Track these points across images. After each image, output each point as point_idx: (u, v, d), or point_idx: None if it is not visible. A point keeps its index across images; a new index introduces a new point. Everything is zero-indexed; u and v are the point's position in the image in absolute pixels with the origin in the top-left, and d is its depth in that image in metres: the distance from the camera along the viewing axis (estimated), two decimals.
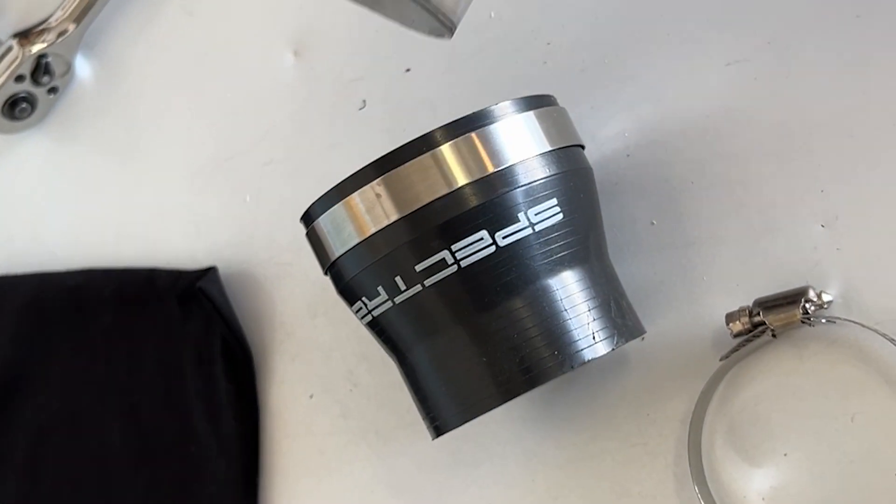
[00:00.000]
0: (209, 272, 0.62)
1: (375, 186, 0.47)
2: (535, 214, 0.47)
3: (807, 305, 0.49)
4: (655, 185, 0.54)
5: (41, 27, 0.65)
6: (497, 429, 0.56)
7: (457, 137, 0.47)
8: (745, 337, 0.50)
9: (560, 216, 0.47)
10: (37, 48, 0.65)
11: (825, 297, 0.49)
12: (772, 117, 0.52)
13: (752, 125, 0.52)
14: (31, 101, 0.67)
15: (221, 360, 0.62)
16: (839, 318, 0.49)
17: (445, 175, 0.47)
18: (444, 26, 0.48)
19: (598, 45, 0.56)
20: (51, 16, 0.65)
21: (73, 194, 0.68)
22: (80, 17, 0.65)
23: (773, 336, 0.50)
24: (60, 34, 0.65)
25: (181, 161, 0.65)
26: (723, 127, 0.53)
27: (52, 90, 0.67)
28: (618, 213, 0.54)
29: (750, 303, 0.50)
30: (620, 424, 0.53)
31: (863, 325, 0.49)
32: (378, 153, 0.59)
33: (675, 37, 0.54)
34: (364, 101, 0.61)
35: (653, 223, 0.54)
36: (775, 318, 0.49)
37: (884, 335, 0.48)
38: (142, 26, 0.66)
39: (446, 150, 0.47)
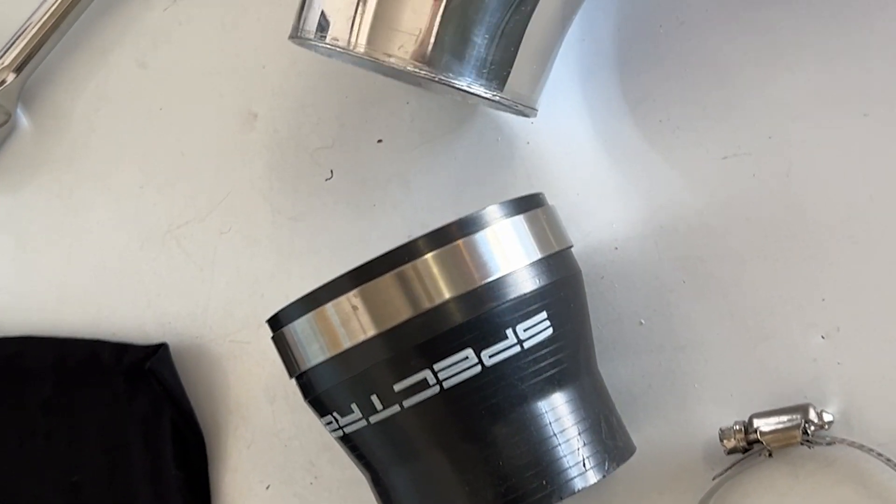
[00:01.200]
0: (160, 350, 0.58)
1: (352, 298, 0.43)
2: (524, 330, 0.43)
3: (807, 426, 0.46)
4: (645, 281, 0.51)
5: None
6: None
7: (442, 247, 0.43)
8: (740, 455, 0.47)
9: (550, 331, 0.44)
10: None
11: (826, 417, 0.46)
12: (770, 216, 0.49)
13: (750, 224, 0.49)
14: None
15: (171, 444, 0.58)
16: (840, 440, 0.46)
17: (427, 288, 0.43)
18: (525, 114, 0.48)
19: (585, 127, 0.52)
20: None
21: (11, 252, 0.63)
22: (20, 66, 0.60)
23: (770, 455, 0.47)
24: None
25: (130, 223, 0.61)
26: (718, 224, 0.50)
27: None
28: (604, 309, 0.51)
29: (743, 415, 0.48)
30: None
31: (864, 449, 0.46)
32: (345, 227, 0.56)
33: (670, 124, 0.51)
34: (332, 172, 0.57)
35: (641, 322, 0.51)
36: (773, 437, 0.46)
37: (886, 460, 0.45)
38: (90, 76, 0.62)
39: (430, 260, 0.43)
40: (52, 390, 0.60)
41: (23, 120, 0.63)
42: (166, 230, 0.60)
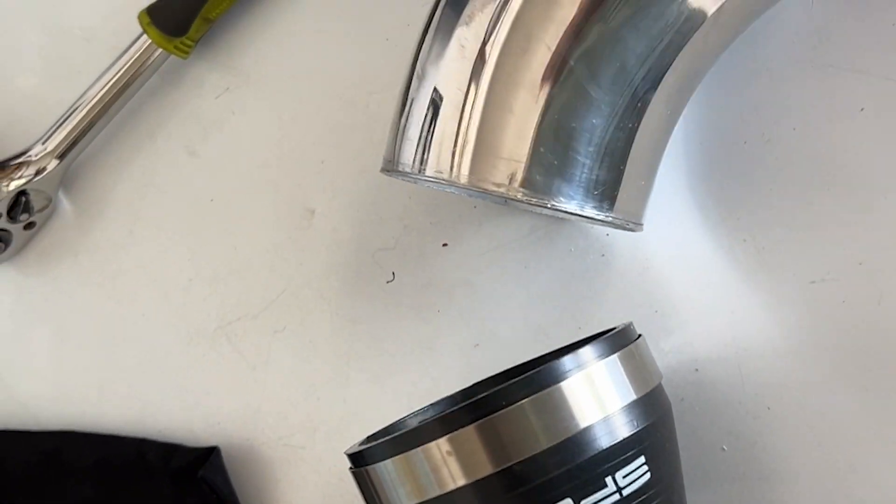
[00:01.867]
0: (212, 455, 0.56)
1: (443, 444, 0.41)
2: (623, 477, 0.42)
3: None
4: (727, 406, 0.49)
5: (20, 160, 0.58)
6: None
7: (536, 393, 0.42)
8: None
9: (648, 475, 0.42)
10: (15, 184, 0.58)
11: None
12: (860, 345, 0.48)
13: (838, 351, 0.48)
14: (4, 239, 0.60)
15: None
16: None
17: (522, 437, 0.41)
18: (631, 229, 0.47)
19: (663, 242, 0.51)
20: (30, 148, 0.58)
21: (50, 342, 0.61)
22: (64, 153, 0.58)
23: None
24: (40, 171, 0.58)
25: (178, 317, 0.59)
26: (805, 351, 0.48)
27: (29, 225, 0.60)
28: (684, 433, 0.50)
29: None
30: None
31: None
32: (408, 332, 0.54)
33: (754, 244, 0.50)
34: (393, 274, 0.55)
35: (723, 449, 0.49)
36: None
37: None
38: (135, 161, 0.60)
39: (525, 406, 0.41)
40: (94, 490, 0.58)
41: (64, 203, 0.60)
42: (217, 326, 0.58)
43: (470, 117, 0.43)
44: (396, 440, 0.42)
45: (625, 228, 0.47)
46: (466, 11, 0.44)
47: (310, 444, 0.56)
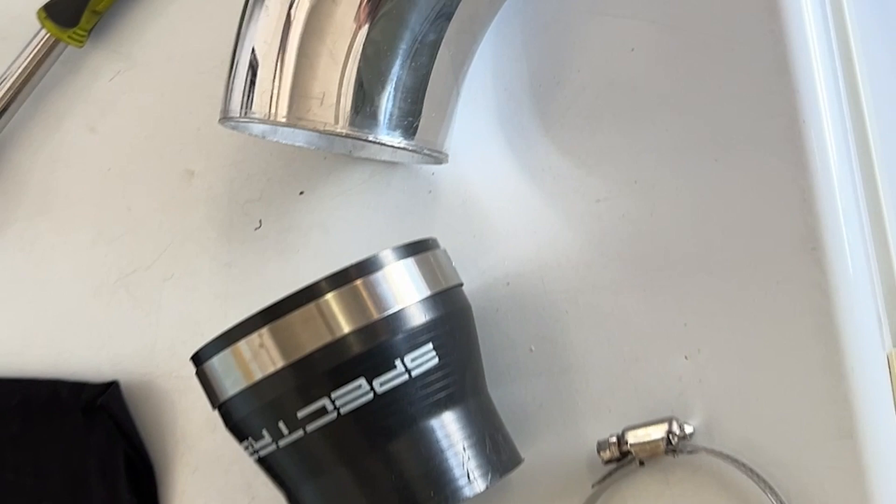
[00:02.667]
0: (111, 388, 0.64)
1: (261, 335, 0.49)
2: (412, 360, 0.49)
3: (670, 436, 0.52)
4: (534, 312, 0.57)
5: None
6: None
7: (341, 287, 0.50)
8: (615, 465, 0.53)
9: (436, 360, 0.50)
10: None
11: (687, 429, 0.52)
12: (638, 252, 0.55)
13: (621, 259, 0.55)
14: None
15: (124, 474, 0.64)
16: (700, 448, 0.52)
17: (327, 325, 0.49)
18: (437, 159, 0.55)
19: (478, 176, 0.59)
20: None
21: None
22: None
23: (641, 464, 0.53)
24: None
25: (85, 273, 0.67)
26: (594, 260, 0.56)
27: None
28: (499, 338, 0.57)
29: (619, 429, 0.54)
30: None
31: (720, 455, 0.52)
32: (273, 272, 0.62)
33: (551, 173, 0.57)
34: (260, 222, 0.63)
35: (531, 349, 0.57)
36: (641, 448, 0.52)
37: (739, 464, 0.51)
38: (46, 141, 0.68)
39: (330, 299, 0.49)
40: (19, 427, 0.67)
41: None
42: (116, 278, 0.66)
43: (283, 67, 0.52)
44: (221, 338, 0.51)
45: (433, 158, 0.55)
46: None
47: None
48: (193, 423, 0.64)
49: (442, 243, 0.56)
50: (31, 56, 0.66)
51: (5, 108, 0.67)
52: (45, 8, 0.65)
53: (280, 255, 0.62)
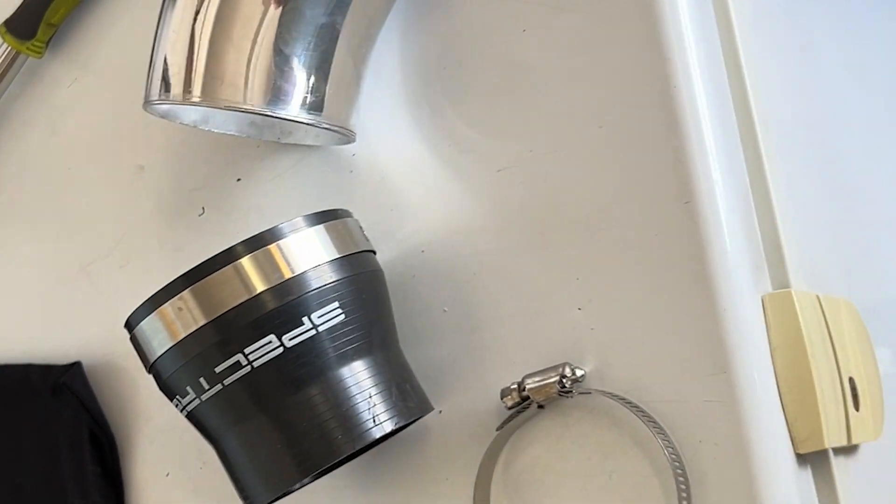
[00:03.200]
0: (73, 367, 0.70)
1: (182, 297, 0.55)
2: (319, 317, 0.54)
3: (563, 380, 0.57)
4: (446, 276, 0.62)
5: None
6: (321, 499, 0.63)
7: (256, 250, 0.55)
8: (517, 409, 0.58)
9: (342, 317, 0.55)
10: None
11: (578, 373, 0.57)
12: (535, 216, 0.60)
13: (520, 222, 0.60)
14: None
15: (89, 446, 0.69)
16: (591, 390, 0.57)
17: (245, 284, 0.54)
18: (346, 136, 0.60)
19: (393, 155, 0.64)
20: None
21: None
22: None
23: (541, 407, 0.58)
24: None
25: (50, 264, 0.73)
26: (497, 225, 0.61)
27: None
28: (417, 301, 0.62)
29: (521, 378, 0.58)
30: (426, 488, 0.61)
31: (610, 395, 0.56)
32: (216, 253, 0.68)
33: (456, 147, 0.62)
34: (203, 208, 0.69)
35: (444, 310, 0.62)
36: (538, 392, 0.57)
37: (627, 403, 0.56)
38: (14, 145, 0.74)
39: (244, 262, 0.54)
40: None
41: None
42: (78, 268, 0.72)
43: (195, 52, 0.57)
44: (147, 302, 0.56)
45: (341, 135, 0.61)
46: None
47: None
48: (151, 398, 0.69)
49: (362, 217, 0.61)
50: None
51: None
52: (5, 23, 0.72)
53: (223, 237, 0.67)
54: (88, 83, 0.73)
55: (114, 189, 0.71)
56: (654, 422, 0.56)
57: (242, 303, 0.54)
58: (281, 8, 0.57)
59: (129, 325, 0.57)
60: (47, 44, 0.73)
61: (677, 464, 0.55)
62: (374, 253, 0.59)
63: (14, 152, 0.74)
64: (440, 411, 0.60)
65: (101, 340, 0.71)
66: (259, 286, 0.54)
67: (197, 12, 0.57)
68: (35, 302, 0.73)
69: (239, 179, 0.68)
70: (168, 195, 0.70)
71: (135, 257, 0.70)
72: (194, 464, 0.67)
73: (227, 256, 0.55)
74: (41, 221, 0.73)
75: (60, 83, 0.73)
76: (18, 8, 0.72)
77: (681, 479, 0.55)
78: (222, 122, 0.65)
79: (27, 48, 0.71)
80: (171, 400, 0.57)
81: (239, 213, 0.68)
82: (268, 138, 0.66)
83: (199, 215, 0.69)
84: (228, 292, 0.54)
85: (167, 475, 0.68)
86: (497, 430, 0.59)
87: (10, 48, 0.72)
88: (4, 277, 0.74)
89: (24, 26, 0.71)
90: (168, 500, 0.68)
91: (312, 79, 0.58)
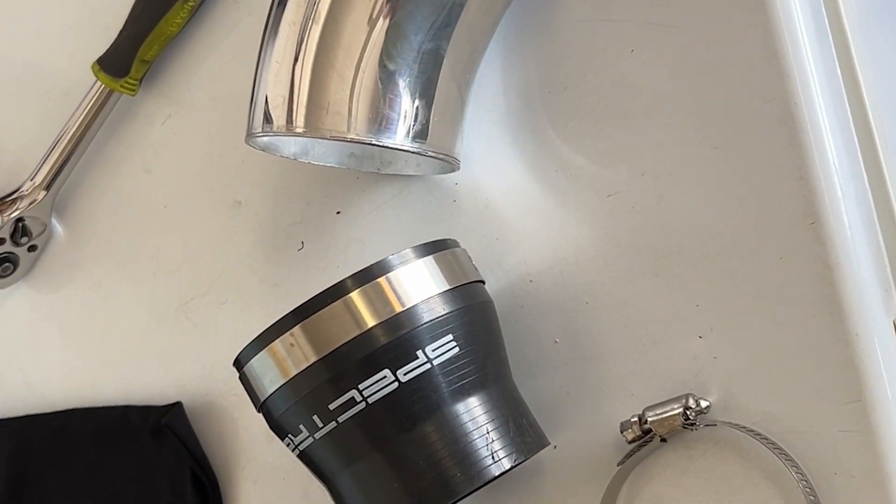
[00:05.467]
0: (174, 408, 0.68)
1: (293, 334, 0.53)
2: (433, 350, 0.53)
3: (687, 412, 0.54)
4: (556, 306, 0.60)
5: (15, 195, 0.73)
6: None
7: (365, 284, 0.53)
8: (638, 443, 0.56)
9: (456, 349, 0.53)
10: (13, 214, 0.73)
11: (703, 403, 0.55)
12: (649, 240, 0.58)
13: (633, 249, 0.58)
14: (12, 260, 0.74)
15: (191, 488, 0.68)
16: (717, 422, 0.55)
17: (355, 319, 0.53)
18: (450, 165, 0.59)
19: (497, 183, 0.62)
20: (22, 185, 0.73)
21: (57, 340, 0.75)
22: (49, 184, 0.73)
23: (663, 440, 0.55)
24: (32, 202, 0.72)
25: (148, 304, 0.72)
26: (609, 252, 0.59)
27: (32, 248, 0.74)
28: (525, 333, 0.60)
29: (641, 410, 0.56)
30: None
31: (738, 427, 0.54)
32: (317, 288, 0.66)
33: (564, 173, 0.61)
34: (302, 243, 0.67)
35: (556, 341, 0.60)
36: (661, 424, 0.55)
37: (756, 434, 0.54)
38: (108, 185, 0.74)
39: (354, 296, 0.53)
40: (95, 452, 0.72)
41: (58, 228, 0.75)
42: (176, 306, 0.71)
43: (298, 83, 0.56)
44: (257, 340, 0.55)
45: (446, 163, 0.59)
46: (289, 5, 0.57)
47: None
48: (252, 437, 0.68)
49: (468, 247, 0.59)
50: (89, 107, 0.72)
51: (68, 158, 0.72)
52: (99, 62, 0.71)
53: (322, 271, 0.66)
54: (182, 119, 0.72)
55: (211, 226, 0.70)
56: (786, 454, 0.53)
57: (354, 338, 0.53)
58: (384, 34, 0.55)
59: (239, 362, 0.56)
60: (140, 81, 0.72)
61: (812, 498, 0.52)
62: (484, 283, 0.58)
63: (109, 191, 0.74)
64: (555, 446, 0.58)
65: (201, 380, 0.70)
66: (370, 321, 0.53)
67: (299, 42, 0.56)
68: (132, 341, 0.72)
69: (338, 212, 0.67)
70: (266, 230, 0.69)
71: (234, 294, 0.69)
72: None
73: (337, 291, 0.53)
74: (138, 260, 0.72)
75: (154, 120, 0.73)
76: (111, 46, 0.71)
77: None
78: (322, 154, 0.64)
79: (121, 86, 0.71)
80: (283, 439, 0.56)
81: (339, 246, 0.66)
82: (367, 169, 0.65)
83: (299, 250, 0.67)
84: (339, 328, 0.53)
85: None
86: (618, 465, 0.56)
87: (103, 86, 0.71)
88: (101, 317, 0.73)
89: (117, 64, 0.71)
90: None
91: (417, 106, 0.56)
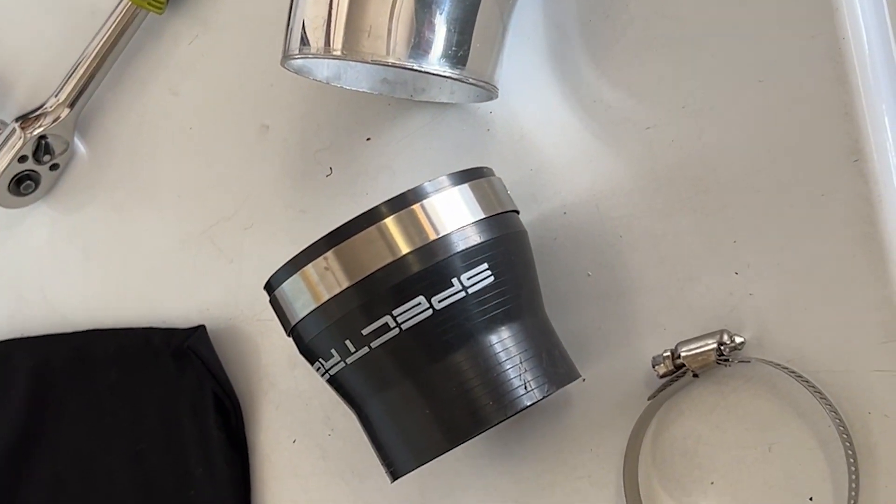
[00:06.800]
0: (198, 331, 0.68)
1: (326, 258, 0.53)
2: (468, 279, 0.52)
3: (721, 348, 0.54)
4: (590, 239, 0.59)
5: (39, 112, 0.72)
6: (460, 466, 0.61)
7: (399, 211, 0.53)
8: (670, 378, 0.55)
9: (491, 279, 0.53)
10: (36, 131, 0.72)
11: (737, 340, 0.54)
12: (688, 175, 0.57)
13: (672, 183, 0.57)
14: (34, 178, 0.73)
15: (213, 411, 0.68)
16: (751, 358, 0.54)
17: (389, 245, 0.52)
18: (489, 93, 0.57)
19: (533, 113, 0.61)
20: (46, 101, 0.72)
21: (78, 260, 0.74)
22: (73, 102, 0.71)
23: (695, 376, 0.55)
24: (56, 119, 0.71)
25: (172, 227, 0.71)
26: (646, 185, 0.58)
27: (54, 167, 0.74)
28: (558, 266, 0.60)
29: (674, 345, 0.56)
30: (567, 459, 0.59)
31: (772, 364, 0.54)
32: (345, 215, 0.65)
33: (602, 104, 0.60)
34: (331, 169, 0.67)
35: (589, 275, 0.59)
36: (694, 360, 0.54)
37: (790, 372, 0.53)
38: (131, 105, 0.73)
39: (389, 222, 0.52)
40: (117, 374, 0.71)
41: (80, 147, 0.74)
42: (201, 230, 0.70)
43: (336, 4, 0.55)
44: (290, 263, 0.54)
45: (484, 91, 0.58)
46: None
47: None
48: (276, 363, 0.67)
49: (502, 178, 0.58)
50: (115, 25, 0.70)
51: (92, 76, 0.71)
52: None
53: (351, 198, 0.66)
54: (210, 40, 0.71)
55: (237, 149, 0.69)
56: (820, 392, 0.53)
57: (388, 264, 0.52)
58: None
59: (270, 286, 0.56)
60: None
61: (845, 435, 0.52)
62: (518, 213, 0.57)
63: (133, 111, 0.73)
64: (584, 379, 0.58)
65: (225, 304, 0.69)
66: (405, 248, 0.52)
67: None
68: (156, 265, 0.71)
69: (368, 139, 0.66)
70: (294, 155, 0.68)
71: (259, 219, 0.68)
72: (322, 431, 0.65)
73: (371, 217, 0.53)
74: (162, 182, 0.72)
75: (181, 41, 0.71)
76: None
77: (849, 451, 0.52)
78: (354, 79, 0.63)
79: (148, 4, 0.70)
80: (313, 364, 0.55)
81: (368, 174, 0.65)
82: (400, 95, 0.64)
83: (327, 176, 0.67)
84: (373, 253, 0.52)
85: (294, 442, 0.66)
86: (649, 399, 0.56)
87: (129, 3, 0.70)
88: (124, 239, 0.73)
89: None
90: (295, 468, 0.66)
91: (458, 30, 0.55)
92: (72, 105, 0.72)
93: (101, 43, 0.71)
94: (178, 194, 0.71)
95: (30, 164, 0.73)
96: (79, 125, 0.73)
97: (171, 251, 0.71)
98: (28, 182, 0.73)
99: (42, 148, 0.72)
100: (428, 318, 0.52)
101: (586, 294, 0.59)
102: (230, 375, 0.68)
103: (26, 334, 0.74)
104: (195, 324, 0.69)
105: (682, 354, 0.55)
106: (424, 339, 0.52)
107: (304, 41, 0.56)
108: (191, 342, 0.67)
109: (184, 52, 0.71)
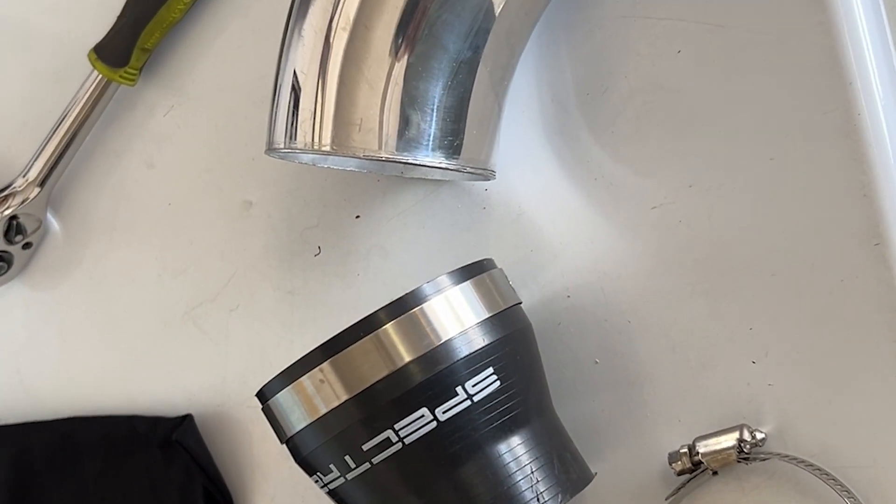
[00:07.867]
0: (185, 421, 0.65)
1: (322, 370, 0.49)
2: (473, 386, 0.49)
3: (742, 445, 0.51)
4: (596, 324, 0.56)
5: (7, 192, 0.68)
6: None
7: (398, 317, 0.49)
8: (688, 476, 0.52)
9: (497, 383, 0.50)
10: (6, 212, 0.68)
11: (758, 436, 0.52)
12: (698, 257, 0.54)
13: (681, 265, 0.55)
14: (6, 259, 0.70)
15: None
16: (773, 455, 0.51)
17: (387, 356, 0.49)
18: (486, 177, 0.56)
19: (531, 190, 0.58)
20: (14, 181, 0.68)
21: (55, 342, 0.71)
22: (43, 181, 0.68)
23: (714, 473, 0.52)
24: (25, 199, 0.68)
25: (153, 308, 0.68)
26: (654, 268, 0.55)
27: (27, 245, 0.70)
28: (563, 352, 0.57)
29: (690, 439, 0.53)
30: None
31: (795, 461, 0.51)
32: (335, 297, 0.63)
33: (603, 182, 0.57)
34: (319, 248, 0.63)
35: (596, 362, 0.56)
36: (713, 458, 0.52)
37: (815, 469, 0.50)
38: (106, 179, 0.69)
39: (389, 329, 0.49)
40: (102, 463, 0.68)
41: (54, 224, 0.70)
42: (184, 311, 0.67)
43: (324, 95, 0.52)
44: (283, 374, 0.51)
45: (480, 175, 0.55)
46: (313, 10, 0.52)
47: None
48: (268, 452, 0.64)
49: (498, 259, 0.55)
50: (86, 97, 0.67)
51: (63, 154, 0.68)
52: (96, 49, 0.66)
53: (341, 279, 0.62)
54: (187, 111, 0.67)
55: (219, 226, 0.66)
56: (848, 490, 0.50)
57: (389, 374, 0.49)
58: (414, 43, 0.51)
59: (263, 395, 0.52)
60: (141, 70, 0.67)
61: None
62: (521, 304, 0.54)
63: (108, 186, 0.69)
64: (595, 473, 0.55)
65: (212, 389, 0.66)
66: (405, 356, 0.49)
67: (324, 51, 0.51)
68: (137, 346, 0.68)
69: (358, 216, 0.62)
70: (280, 233, 0.65)
71: (245, 301, 0.65)
72: None
73: (368, 325, 0.49)
74: (141, 260, 0.68)
75: (156, 111, 0.68)
76: (109, 33, 0.66)
77: None
78: (340, 160, 0.60)
79: (120, 76, 0.66)
80: (311, 475, 0.52)
81: (359, 253, 0.62)
82: (390, 173, 0.61)
83: (315, 255, 0.63)
84: (372, 364, 0.49)
85: None
86: (667, 499, 0.53)
87: (101, 76, 0.66)
88: (103, 320, 0.69)
89: (116, 53, 0.66)
90: None
91: (452, 118, 0.52)
92: (42, 184, 0.68)
93: (72, 119, 0.67)
94: (159, 273, 0.68)
95: (1, 245, 0.69)
96: (51, 201, 0.70)
97: (153, 333, 0.68)
98: (0, 263, 0.70)
99: (13, 228, 0.69)
100: (432, 430, 0.49)
101: (594, 383, 0.56)
102: (220, 467, 0.65)
103: (3, 421, 0.71)
104: (181, 410, 0.66)
105: (701, 452, 0.52)
106: (429, 454, 0.49)
107: (290, 135, 0.53)
108: (178, 435, 0.64)
109: (159, 123, 0.68)
